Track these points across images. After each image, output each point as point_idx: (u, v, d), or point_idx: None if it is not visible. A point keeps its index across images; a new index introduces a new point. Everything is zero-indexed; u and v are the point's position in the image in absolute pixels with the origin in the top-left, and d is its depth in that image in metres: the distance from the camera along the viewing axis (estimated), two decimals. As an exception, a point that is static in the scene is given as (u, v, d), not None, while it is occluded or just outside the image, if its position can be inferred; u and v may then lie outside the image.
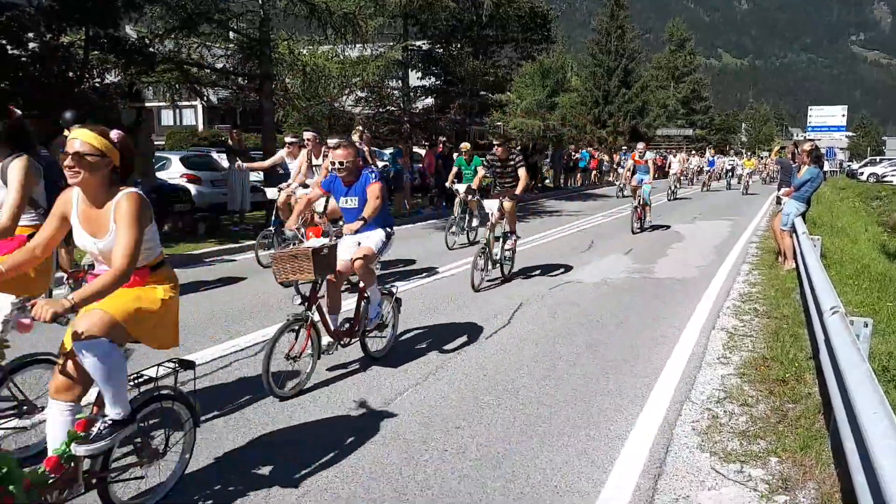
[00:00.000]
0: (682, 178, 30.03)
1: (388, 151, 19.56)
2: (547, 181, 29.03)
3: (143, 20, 14.05)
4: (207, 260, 10.33)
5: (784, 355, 5.53)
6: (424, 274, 9.25)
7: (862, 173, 46.03)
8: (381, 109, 24.24)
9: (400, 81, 23.98)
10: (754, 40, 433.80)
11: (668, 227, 15.29)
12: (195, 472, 3.59)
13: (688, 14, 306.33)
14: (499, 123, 29.16)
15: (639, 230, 14.21)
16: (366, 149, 15.34)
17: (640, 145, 15.05)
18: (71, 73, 11.46)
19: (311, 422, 4.28)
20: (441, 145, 19.05)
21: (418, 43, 24.87)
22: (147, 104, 41.40)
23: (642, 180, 14.22)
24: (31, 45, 10.93)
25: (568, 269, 9.88)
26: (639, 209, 14.16)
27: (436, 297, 7.89)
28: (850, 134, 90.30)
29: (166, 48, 13.78)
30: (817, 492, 3.46)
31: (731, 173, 32.75)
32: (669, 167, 27.52)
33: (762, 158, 51.28)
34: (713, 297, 8.05)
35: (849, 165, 59.08)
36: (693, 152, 44.72)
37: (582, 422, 4.36)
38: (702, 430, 4.26)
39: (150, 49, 13.01)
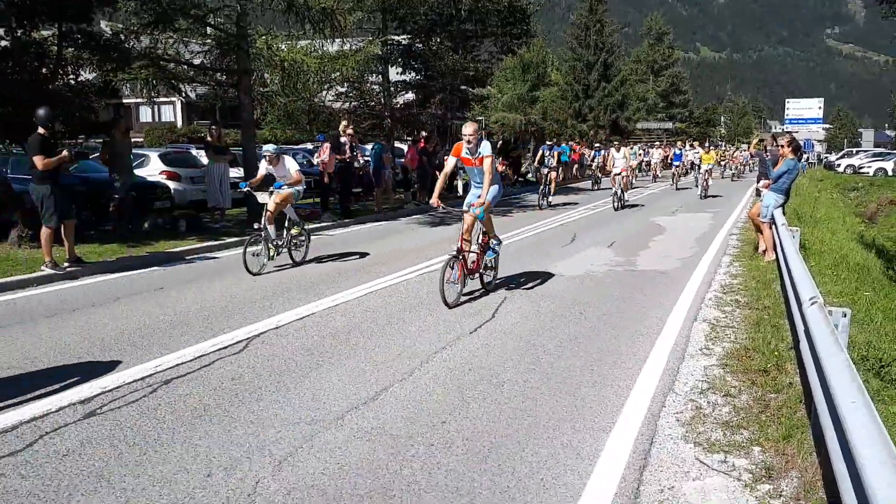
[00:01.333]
0: (633, 177, 26.22)
1: (368, 147, 19.49)
2: (529, 175, 29.09)
3: (118, 15, 13.84)
4: (189, 257, 10.24)
5: (765, 346, 5.59)
6: (407, 269, 9.23)
7: (839, 165, 46.58)
8: (361, 105, 24.16)
9: (380, 76, 23.89)
10: (731, 34, 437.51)
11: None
12: (178, 470, 3.56)
13: (666, 8, 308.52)
14: (480, 118, 29.19)
15: (465, 297, 7.43)
16: (348, 142, 15.34)
17: (468, 128, 7.35)
18: (44, 70, 11.27)
19: (296, 418, 4.25)
20: (423, 141, 19.02)
21: (397, 38, 24.80)
22: (124, 101, 40.91)
23: (477, 197, 7.41)
24: (2, 41, 10.73)
25: (551, 262, 9.92)
26: (464, 256, 7.26)
27: (420, 292, 7.89)
28: (827, 126, 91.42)
29: (142, 44, 13.59)
30: (800, 480, 3.50)
31: (697, 168, 27.14)
32: (612, 165, 19.73)
33: (725, 149, 48.85)
34: (695, 289, 8.12)
35: (826, 157, 59.78)
36: (658, 144, 43.58)
37: (567, 414, 4.38)
38: (686, 421, 4.29)
39: (126, 45, 12.82)
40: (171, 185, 14.39)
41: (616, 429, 4.16)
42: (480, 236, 7.60)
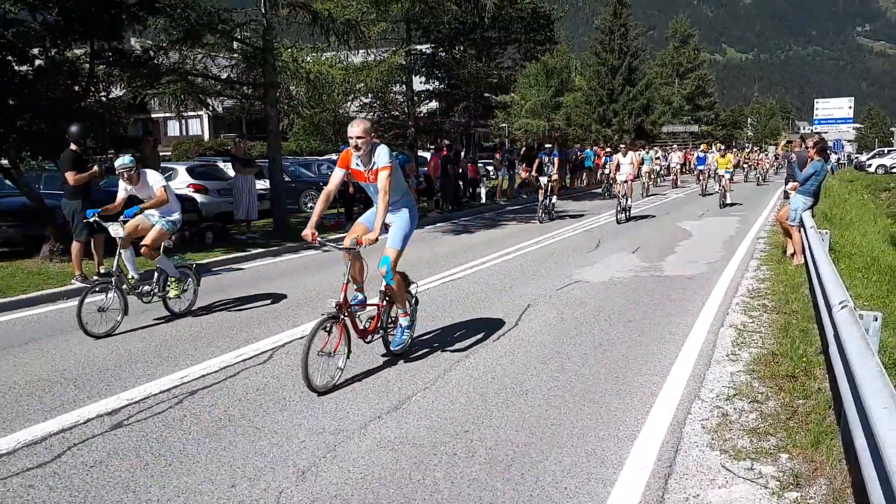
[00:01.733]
0: (651, 182, 25.13)
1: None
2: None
3: (147, 33, 14.13)
4: (215, 269, 10.37)
5: (793, 351, 5.49)
6: (431, 277, 9.24)
7: (870, 165, 45.70)
8: (385, 115, 24.31)
9: (404, 86, 24.02)
10: (759, 34, 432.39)
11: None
12: (203, 481, 3.60)
13: (691, 10, 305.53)
14: (503, 125, 29.17)
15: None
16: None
17: (355, 127, 5.16)
18: (77, 87, 11.52)
19: (319, 428, 4.28)
20: (445, 149, 19.08)
21: (421, 47, 24.92)
22: (153, 115, 41.62)
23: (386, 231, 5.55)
24: (37, 60, 11.01)
25: (575, 269, 9.86)
26: (349, 314, 5.20)
27: (443, 301, 7.89)
28: (858, 126, 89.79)
29: (171, 60, 13.85)
30: (828, 488, 3.43)
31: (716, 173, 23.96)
32: (616, 170, 17.71)
33: (750, 150, 44.69)
34: (722, 294, 8.01)
35: (857, 157, 58.70)
36: (677, 147, 41.66)
37: (591, 422, 4.34)
38: (712, 427, 4.23)
39: (155, 61, 13.07)
40: (199, 197, 14.61)
41: (641, 436, 4.11)
42: (382, 283, 5.49)
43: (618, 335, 6.38)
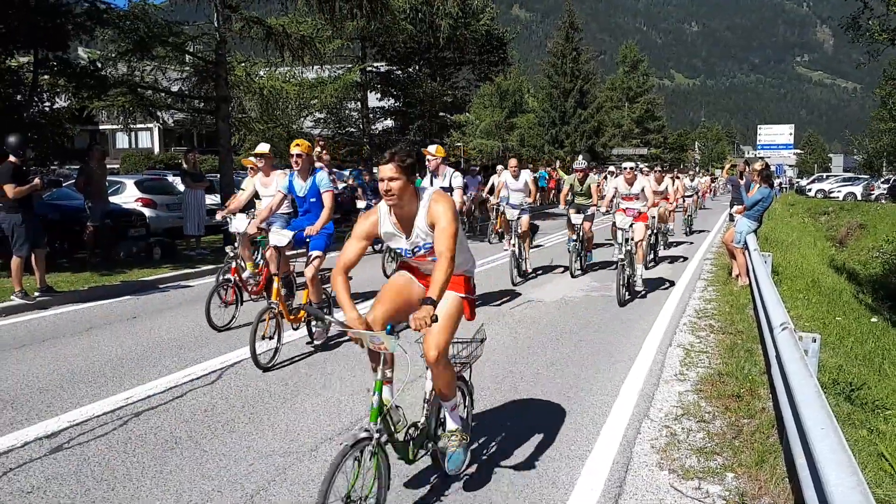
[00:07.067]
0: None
1: (345, 172, 19.56)
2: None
3: (95, 43, 13.83)
4: (163, 286, 10.12)
5: (739, 371, 5.64)
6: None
7: (810, 189, 47.47)
8: (340, 131, 24.26)
9: (359, 103, 24.05)
10: (705, 61, 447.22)
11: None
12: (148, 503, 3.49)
13: (640, 36, 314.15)
14: (458, 144, 29.39)
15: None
16: (324, 169, 15.36)
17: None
18: (19, 97, 11.19)
19: (269, 450, 4.20)
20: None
21: (376, 65, 25.02)
22: (101, 127, 40.60)
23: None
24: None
25: (528, 288, 9.95)
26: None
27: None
28: (798, 151, 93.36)
29: (119, 71, 13.57)
30: (772, 506, 3.52)
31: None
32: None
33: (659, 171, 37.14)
34: (669, 314, 8.18)
35: (797, 182, 60.95)
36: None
37: (542, 442, 4.37)
38: (660, 447, 4.30)
39: (103, 72, 12.78)
40: (147, 212, 14.27)
41: (592, 456, 4.15)
42: None
43: (569, 354, 6.45)
